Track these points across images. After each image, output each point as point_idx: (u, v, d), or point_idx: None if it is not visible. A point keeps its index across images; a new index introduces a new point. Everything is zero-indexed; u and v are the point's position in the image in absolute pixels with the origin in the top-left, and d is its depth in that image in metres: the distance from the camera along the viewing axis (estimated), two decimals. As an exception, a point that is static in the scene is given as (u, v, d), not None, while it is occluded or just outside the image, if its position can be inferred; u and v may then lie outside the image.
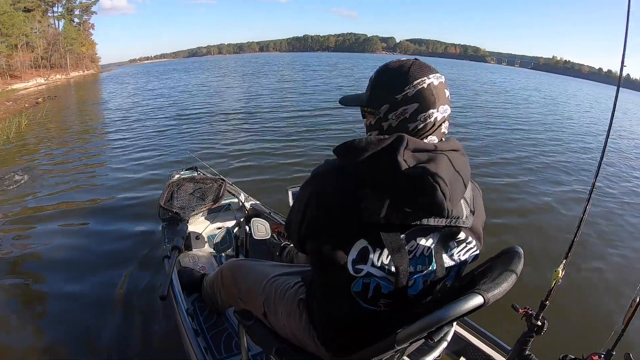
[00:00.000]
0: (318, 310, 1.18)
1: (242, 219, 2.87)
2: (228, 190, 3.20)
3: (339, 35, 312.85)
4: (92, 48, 68.27)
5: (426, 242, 0.99)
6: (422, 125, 1.01)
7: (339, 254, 0.97)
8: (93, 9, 66.27)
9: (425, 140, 1.00)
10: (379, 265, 0.97)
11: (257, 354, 1.82)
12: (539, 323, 1.25)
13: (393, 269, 0.97)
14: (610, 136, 1.44)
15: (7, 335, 2.64)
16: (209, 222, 2.91)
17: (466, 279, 1.12)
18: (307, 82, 24.22)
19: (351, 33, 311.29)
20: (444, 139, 1.04)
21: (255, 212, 3.06)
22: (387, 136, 0.94)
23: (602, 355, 1.13)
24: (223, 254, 2.71)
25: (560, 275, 1.27)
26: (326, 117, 11.35)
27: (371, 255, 0.97)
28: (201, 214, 2.90)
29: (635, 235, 4.79)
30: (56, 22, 59.92)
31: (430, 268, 1.02)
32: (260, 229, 2.49)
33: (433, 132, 1.01)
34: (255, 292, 1.48)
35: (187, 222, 2.70)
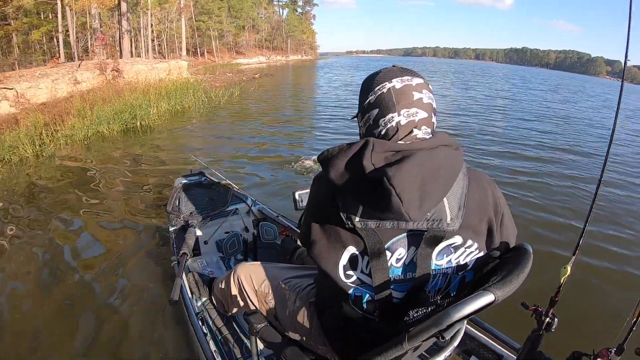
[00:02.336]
0: (327, 313, 1.23)
1: (250, 223, 2.97)
2: (235, 195, 3.29)
3: (560, 51, 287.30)
4: (312, 36, 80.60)
5: (406, 249, 1.02)
6: (384, 130, 1.04)
7: (332, 259, 1.05)
8: (315, 1, 78.53)
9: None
10: (368, 272, 1.02)
11: (267, 356, 1.86)
12: (549, 320, 1.27)
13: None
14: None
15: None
16: (217, 227, 2.94)
17: (476, 276, 1.11)
18: (526, 102, 20.60)
19: (573, 51, 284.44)
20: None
21: (263, 216, 3.14)
22: (357, 142, 0.99)
23: (613, 350, 1.12)
24: (232, 258, 2.76)
25: (569, 271, 1.28)
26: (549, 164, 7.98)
27: (360, 262, 1.03)
28: (209, 218, 2.95)
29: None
30: (280, 10, 73.49)
31: (412, 274, 1.03)
32: (269, 232, 2.58)
33: (402, 138, 1.02)
34: (267, 295, 1.54)
35: (196, 227, 2.76)
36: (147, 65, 18.13)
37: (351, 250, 1.02)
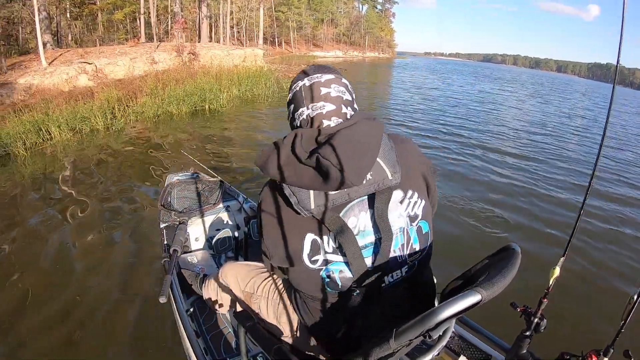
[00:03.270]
0: (304, 307, 1.27)
1: (241, 221, 2.95)
2: (227, 192, 3.30)
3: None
4: (391, 34, 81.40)
5: (366, 214, 1.10)
6: (299, 123, 1.17)
7: (296, 254, 1.12)
8: None
9: None
10: (331, 250, 1.10)
11: (256, 354, 1.84)
12: (538, 320, 1.27)
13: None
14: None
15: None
16: (208, 224, 2.94)
17: (464, 276, 1.18)
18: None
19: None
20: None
21: (254, 214, 3.03)
22: (285, 136, 1.09)
23: (601, 352, 1.13)
24: (223, 255, 2.82)
25: (557, 272, 1.26)
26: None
27: (321, 244, 1.10)
28: (200, 215, 2.94)
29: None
30: (360, 5, 74.00)
31: (378, 235, 1.10)
32: None
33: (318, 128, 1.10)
34: (252, 296, 1.59)
35: (187, 224, 2.75)
36: (223, 50, 18.50)
37: (310, 237, 1.10)
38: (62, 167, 6.16)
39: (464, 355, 1.76)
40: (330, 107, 1.12)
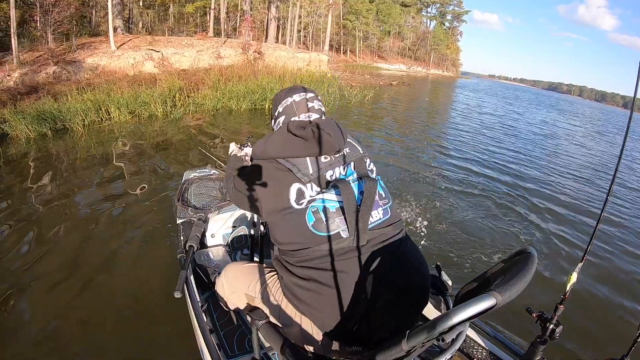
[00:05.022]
0: (304, 294, 1.32)
1: (257, 218, 2.75)
2: None
3: None
4: (457, 53, 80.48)
5: (342, 170, 1.41)
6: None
7: (284, 201, 1.32)
8: (464, 17, 77.85)
9: None
10: (314, 194, 1.34)
11: (268, 352, 1.90)
12: (553, 327, 1.24)
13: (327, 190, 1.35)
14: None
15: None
16: (224, 221, 2.93)
17: (479, 279, 1.27)
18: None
19: None
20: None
21: None
22: (278, 129, 1.49)
23: None
24: (238, 252, 2.82)
25: (575, 278, 1.22)
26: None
27: (305, 190, 1.33)
28: (217, 212, 2.95)
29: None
30: (428, 21, 73.88)
31: (347, 175, 1.41)
32: None
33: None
34: (255, 299, 1.62)
35: (203, 220, 2.79)
36: (289, 52, 18.58)
37: (296, 186, 1.33)
38: (115, 146, 6.18)
39: None
40: (315, 116, 1.56)
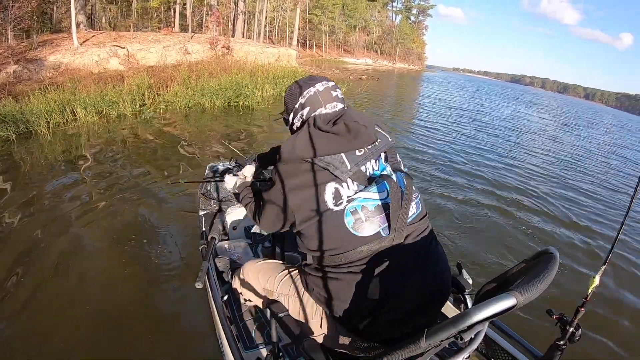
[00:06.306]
0: (330, 287, 1.32)
1: None
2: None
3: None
4: (422, 47, 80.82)
5: (374, 164, 1.37)
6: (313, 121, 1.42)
7: (320, 204, 1.27)
8: (430, 12, 78.32)
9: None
10: (352, 193, 1.28)
11: (287, 344, 1.92)
12: (573, 330, 1.22)
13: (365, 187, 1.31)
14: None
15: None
16: (246, 213, 2.88)
17: (500, 279, 1.25)
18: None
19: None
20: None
21: None
22: (302, 128, 1.42)
23: None
24: (259, 245, 2.80)
25: (597, 282, 1.20)
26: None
27: (342, 191, 1.28)
28: (238, 204, 2.95)
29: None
30: (394, 15, 73.91)
31: (381, 170, 1.36)
32: None
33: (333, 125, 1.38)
34: (272, 293, 1.63)
35: (225, 212, 2.86)
36: (257, 47, 18.35)
37: (332, 185, 1.27)
38: (83, 149, 5.93)
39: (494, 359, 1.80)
40: (340, 105, 1.48)
